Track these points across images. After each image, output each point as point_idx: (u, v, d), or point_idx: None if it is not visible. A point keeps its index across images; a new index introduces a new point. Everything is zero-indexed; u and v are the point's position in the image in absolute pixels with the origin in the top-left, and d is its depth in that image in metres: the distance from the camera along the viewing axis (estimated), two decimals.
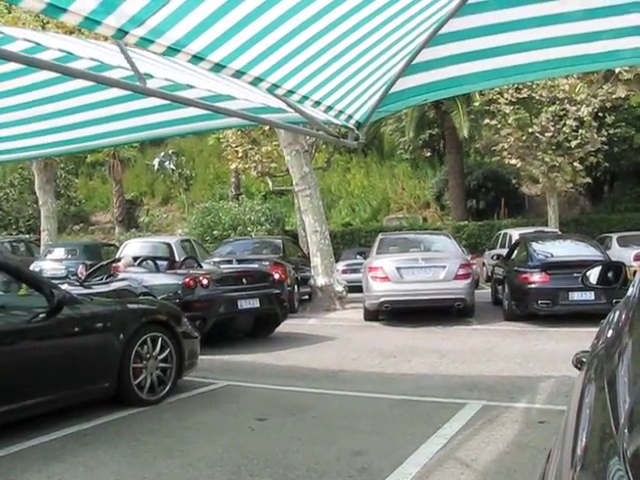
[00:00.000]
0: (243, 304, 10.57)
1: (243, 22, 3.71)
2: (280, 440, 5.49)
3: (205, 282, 10.29)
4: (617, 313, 1.79)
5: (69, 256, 20.35)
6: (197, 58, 3.78)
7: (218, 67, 4.05)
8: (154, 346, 6.85)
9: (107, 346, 6.39)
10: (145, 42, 3.32)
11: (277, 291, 11.39)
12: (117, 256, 15.34)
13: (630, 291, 1.83)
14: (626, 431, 1.02)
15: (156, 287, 10.30)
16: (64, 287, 9.36)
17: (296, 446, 5.28)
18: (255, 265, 14.18)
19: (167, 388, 6.94)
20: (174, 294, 10.03)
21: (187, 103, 5.09)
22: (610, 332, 1.76)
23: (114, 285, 10.54)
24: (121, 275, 11.32)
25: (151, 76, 4.31)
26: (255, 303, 10.73)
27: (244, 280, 10.94)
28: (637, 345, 1.34)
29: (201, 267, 12.53)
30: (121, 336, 6.48)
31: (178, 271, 11.69)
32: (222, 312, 10.35)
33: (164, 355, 6.94)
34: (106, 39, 4.88)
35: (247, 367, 8.50)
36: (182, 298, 9.96)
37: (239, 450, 5.19)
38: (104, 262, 13.33)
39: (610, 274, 3.34)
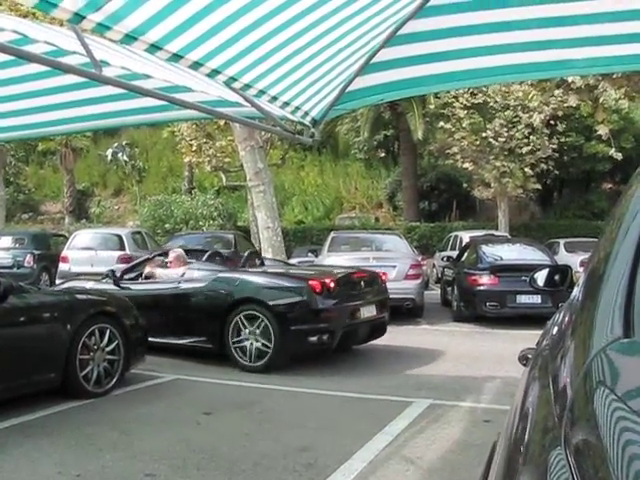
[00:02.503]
0: (365, 312, 8.86)
1: (202, 13, 3.69)
2: (227, 434, 5.48)
3: (332, 286, 8.35)
4: (562, 314, 1.84)
5: (17, 245, 19.94)
6: (154, 47, 3.74)
7: (175, 57, 4.01)
8: (102, 338, 6.78)
9: (53, 336, 6.29)
10: (102, 28, 3.27)
11: (386, 296, 9.85)
12: (154, 252, 11.75)
13: (574, 293, 1.88)
14: (569, 423, 1.05)
15: (267, 289, 8.39)
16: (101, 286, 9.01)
17: (243, 441, 5.28)
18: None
19: (114, 380, 6.87)
20: (294, 301, 8.21)
21: (143, 93, 5.02)
22: (555, 332, 1.80)
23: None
24: (188, 273, 9.31)
25: (107, 64, 4.25)
26: (373, 311, 9.06)
27: (362, 284, 9.16)
28: (578, 346, 1.38)
29: (263, 264, 10.61)
30: (68, 327, 6.39)
31: (291, 271, 10.04)
32: (348, 323, 8.54)
33: (112, 347, 6.87)
34: (62, 24, 4.80)
35: (196, 361, 8.43)
36: (308, 306, 8.14)
37: (185, 443, 5.16)
38: (141, 258, 11.01)
39: (557, 277, 3.41)
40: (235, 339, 8.18)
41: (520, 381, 1.77)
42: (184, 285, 8.93)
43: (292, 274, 9.32)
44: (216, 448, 5.06)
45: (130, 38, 3.51)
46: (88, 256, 17.52)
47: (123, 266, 11.44)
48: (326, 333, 8.12)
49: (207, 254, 10.12)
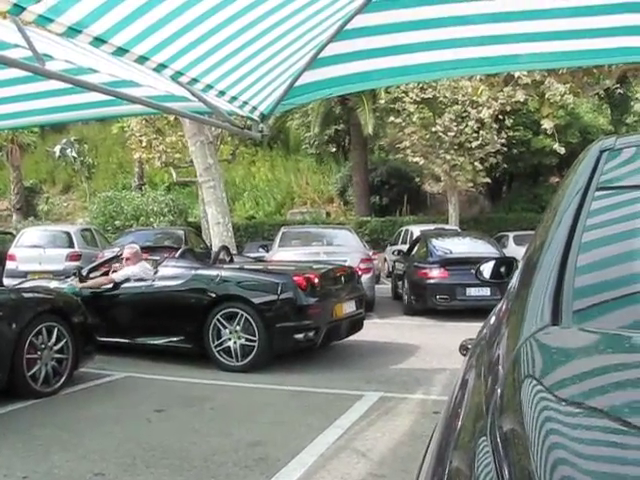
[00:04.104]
0: (346, 308, 8.79)
1: (147, 6, 3.65)
2: (177, 431, 5.45)
3: (317, 282, 8.24)
4: (501, 303, 1.87)
5: None
6: (99, 41, 3.68)
7: (121, 51, 3.96)
8: (49, 336, 6.68)
9: None
10: (44, 20, 3.20)
11: (363, 292, 9.86)
12: (120, 250, 10.45)
13: (511, 283, 1.91)
14: (497, 411, 1.07)
15: (250, 286, 8.20)
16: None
17: (194, 437, 5.25)
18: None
19: (63, 379, 6.78)
20: (279, 298, 8.00)
21: (89, 87, 4.96)
22: (493, 321, 1.84)
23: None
24: (161, 270, 8.91)
25: (51, 57, 4.19)
26: (352, 307, 9.01)
27: (343, 279, 9.11)
28: (511, 334, 1.40)
29: (233, 260, 10.17)
30: (14, 325, 6.27)
31: (271, 267, 9.86)
32: (332, 319, 8.42)
33: (60, 346, 6.78)
34: (5, 17, 4.71)
35: (147, 358, 8.36)
36: (294, 302, 8.00)
37: (135, 442, 5.12)
38: (108, 257, 10.64)
39: (503, 269, 3.45)
40: (217, 340, 7.99)
41: (460, 369, 1.80)
42: (159, 283, 8.73)
43: (274, 270, 9.19)
44: (167, 445, 5.03)
45: (73, 31, 3.45)
46: (36, 254, 17.19)
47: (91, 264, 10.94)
48: (312, 330, 8.04)
49: (180, 251, 9.82)
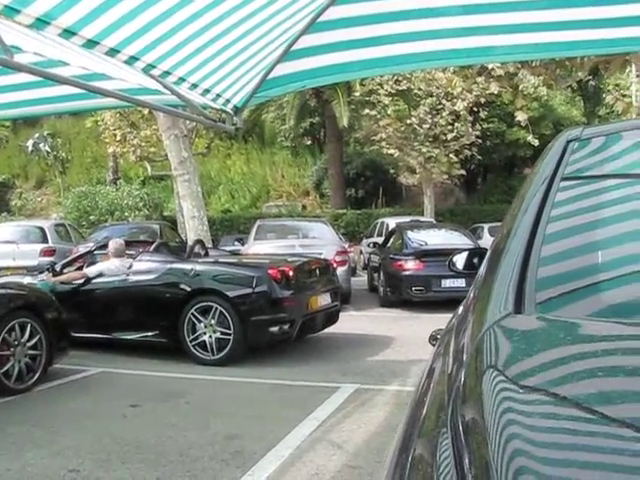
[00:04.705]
0: (321, 301, 8.81)
1: None
2: (153, 426, 5.42)
3: (291, 274, 8.23)
4: (470, 292, 1.88)
5: None
6: (68, 33, 3.64)
7: (91, 44, 3.91)
8: (22, 332, 6.61)
9: None
10: (10, 11, 3.16)
11: (338, 285, 9.85)
12: (95, 245, 10.62)
13: (479, 271, 1.92)
14: (459, 399, 1.07)
15: (224, 279, 8.17)
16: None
17: (169, 432, 5.23)
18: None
19: (36, 376, 6.71)
20: (254, 291, 7.97)
21: (59, 80, 4.90)
22: (461, 310, 1.84)
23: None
24: (136, 264, 8.85)
25: (20, 49, 4.12)
26: (328, 299, 9.02)
27: (318, 272, 9.12)
28: (475, 322, 1.41)
29: (208, 254, 10.02)
30: None
31: (246, 260, 9.90)
32: (307, 312, 8.44)
33: (33, 342, 6.71)
34: None
35: (122, 354, 8.31)
36: (269, 295, 7.99)
37: (111, 437, 5.09)
38: (82, 252, 10.50)
39: (476, 260, 3.46)
40: (192, 334, 7.95)
41: (427, 359, 1.81)
42: (133, 277, 8.66)
43: (249, 263, 9.19)
44: (142, 440, 5.01)
45: (42, 22, 3.41)
46: (10, 249, 17.01)
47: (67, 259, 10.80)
48: (287, 323, 8.02)
49: (154, 245, 9.72)
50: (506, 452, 0.85)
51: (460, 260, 3.46)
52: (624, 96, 21.29)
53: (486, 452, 0.87)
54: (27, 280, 8.88)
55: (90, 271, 8.98)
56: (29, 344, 6.66)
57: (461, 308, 1.91)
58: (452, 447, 0.95)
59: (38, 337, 6.76)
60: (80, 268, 9.51)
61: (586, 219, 1.60)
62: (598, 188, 1.70)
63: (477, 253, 3.58)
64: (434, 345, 2.17)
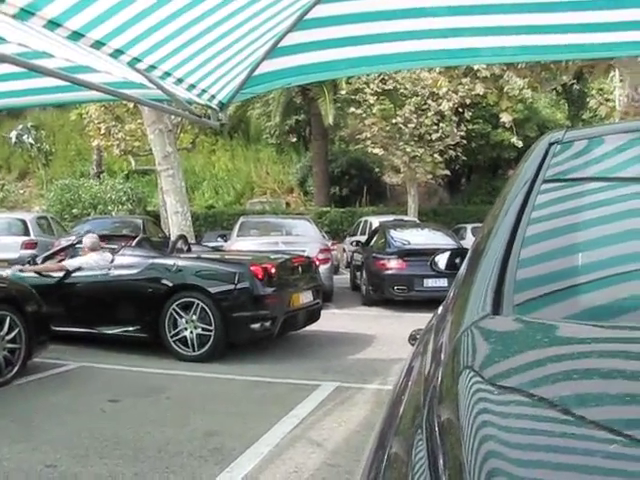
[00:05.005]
0: (303, 298, 8.84)
1: None
2: (132, 422, 5.40)
3: (274, 271, 8.24)
4: (450, 291, 1.89)
5: None
6: (53, 24, 3.61)
7: (76, 35, 3.88)
8: (1, 326, 6.57)
9: None
10: None
11: (320, 282, 9.90)
12: (77, 239, 10.39)
13: (460, 270, 1.93)
14: (434, 401, 1.07)
15: (206, 275, 8.16)
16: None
17: (148, 427, 5.21)
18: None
19: (15, 370, 6.67)
20: (235, 287, 7.93)
21: (43, 72, 4.86)
22: (441, 309, 1.85)
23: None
24: (118, 259, 8.81)
25: (3, 40, 4.09)
26: (310, 297, 9.05)
27: (300, 269, 9.16)
28: (454, 322, 1.42)
29: (190, 249, 10.06)
30: None
31: (228, 256, 9.92)
32: (289, 309, 8.46)
33: (12, 335, 6.66)
34: None
35: (103, 348, 8.27)
36: (250, 292, 7.96)
37: (89, 432, 5.07)
38: (63, 245, 10.48)
39: (457, 260, 3.47)
40: (173, 330, 7.93)
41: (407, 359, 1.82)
42: (115, 272, 8.62)
43: (231, 260, 9.18)
44: (121, 436, 4.99)
45: (26, 13, 3.37)
46: None
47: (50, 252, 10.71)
48: (268, 320, 8.00)
49: (137, 239, 9.70)
50: (480, 453, 0.86)
51: (442, 260, 3.48)
52: (607, 100, 21.48)
53: (460, 453, 0.88)
54: (7, 273, 8.84)
55: (69, 264, 8.94)
56: (8, 337, 6.62)
57: (441, 308, 1.92)
58: (427, 447, 0.95)
59: (17, 330, 6.71)
60: (62, 261, 9.46)
61: (566, 222, 1.61)
62: (579, 191, 1.72)
63: (459, 253, 3.59)
64: (413, 345, 2.17)
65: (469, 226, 21.58)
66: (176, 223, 14.84)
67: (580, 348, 1.15)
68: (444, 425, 0.98)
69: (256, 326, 7.91)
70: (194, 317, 7.85)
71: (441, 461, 0.89)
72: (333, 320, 10.60)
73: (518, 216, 1.58)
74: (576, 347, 1.16)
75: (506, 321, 1.30)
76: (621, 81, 15.84)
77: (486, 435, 0.89)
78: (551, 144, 1.90)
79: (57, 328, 7.86)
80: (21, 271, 8.92)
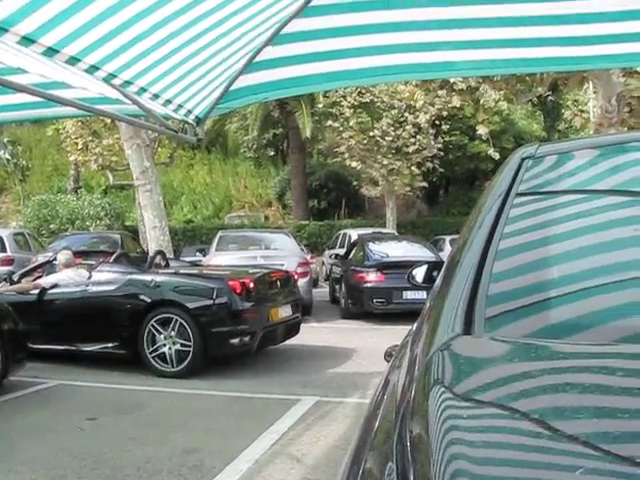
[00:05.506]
0: (282, 312, 8.82)
1: (78, 5, 3.57)
2: (111, 440, 5.35)
3: (252, 286, 8.23)
4: (426, 303, 1.90)
5: None
6: (27, 40, 3.59)
7: (51, 51, 3.86)
8: None
9: None
10: None
11: (299, 296, 9.94)
12: (53, 255, 10.13)
13: (436, 282, 1.94)
14: (407, 416, 1.08)
15: (185, 291, 8.11)
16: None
17: (127, 445, 5.17)
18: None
19: None
20: (214, 303, 7.91)
21: (17, 89, 4.84)
22: (417, 322, 1.86)
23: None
24: (95, 275, 8.83)
25: None
26: (289, 311, 9.05)
27: (279, 283, 9.17)
28: (427, 338, 1.42)
29: (168, 265, 10.10)
30: None
31: (206, 272, 9.95)
32: (268, 323, 8.41)
33: None
34: None
35: (81, 366, 8.20)
36: (229, 307, 7.94)
37: (67, 451, 5.02)
38: (41, 261, 10.49)
39: (435, 273, 3.47)
40: (152, 346, 7.88)
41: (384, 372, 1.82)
42: (93, 288, 8.56)
43: (209, 275, 9.15)
44: (99, 454, 4.94)
45: None
46: None
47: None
48: (247, 334, 7.97)
49: (114, 255, 9.71)
50: (447, 471, 0.86)
51: (419, 273, 3.47)
52: (582, 112, 21.66)
53: (428, 470, 0.88)
54: None
55: (45, 282, 8.87)
56: None
57: (417, 321, 1.93)
58: (398, 463, 0.96)
59: None
60: (38, 278, 9.38)
61: (537, 235, 1.62)
62: (551, 204, 1.74)
63: (436, 266, 3.59)
64: (389, 362, 2.18)
65: (447, 237, 21.67)
66: (154, 238, 14.79)
67: (550, 364, 1.16)
68: (415, 441, 0.98)
69: (235, 341, 7.87)
70: (173, 333, 7.81)
71: (411, 477, 0.90)
72: (312, 334, 10.58)
73: (492, 229, 1.59)
74: (546, 364, 1.17)
75: (477, 341, 1.31)
76: (595, 93, 16.01)
77: (454, 454, 0.90)
78: (523, 159, 1.92)
79: (35, 346, 7.81)
80: None
